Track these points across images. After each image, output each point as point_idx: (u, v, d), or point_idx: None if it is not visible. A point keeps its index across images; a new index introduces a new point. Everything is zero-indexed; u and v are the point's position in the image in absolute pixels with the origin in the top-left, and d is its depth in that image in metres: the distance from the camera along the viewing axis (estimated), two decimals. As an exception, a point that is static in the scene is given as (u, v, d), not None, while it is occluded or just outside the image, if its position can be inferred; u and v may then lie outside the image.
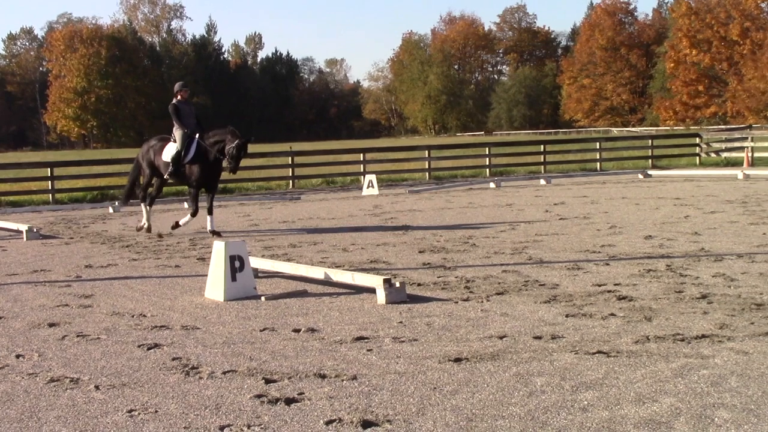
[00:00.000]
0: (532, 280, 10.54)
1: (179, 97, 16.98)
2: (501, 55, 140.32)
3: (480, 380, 6.38)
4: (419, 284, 10.50)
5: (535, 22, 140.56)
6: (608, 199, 22.32)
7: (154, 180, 17.39)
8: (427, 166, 34.04)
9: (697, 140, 41.21)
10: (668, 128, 77.65)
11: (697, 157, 39.22)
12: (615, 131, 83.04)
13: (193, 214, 16.75)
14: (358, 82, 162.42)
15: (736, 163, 36.28)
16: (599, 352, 7.03)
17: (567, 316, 8.46)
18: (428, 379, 6.46)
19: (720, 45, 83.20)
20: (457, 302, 9.33)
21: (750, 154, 36.71)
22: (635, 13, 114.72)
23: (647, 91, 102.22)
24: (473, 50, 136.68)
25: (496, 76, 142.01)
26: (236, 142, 16.06)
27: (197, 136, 16.50)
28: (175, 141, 16.72)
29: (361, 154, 33.53)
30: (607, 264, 11.63)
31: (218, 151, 16.29)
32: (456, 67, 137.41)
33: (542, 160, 35.88)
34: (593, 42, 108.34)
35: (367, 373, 6.69)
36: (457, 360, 6.95)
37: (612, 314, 8.45)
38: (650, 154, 38.84)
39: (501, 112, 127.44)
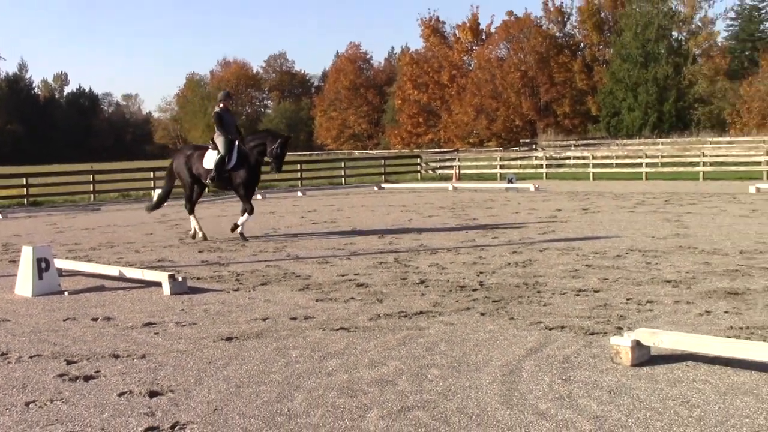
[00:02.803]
0: (289, 272, 10.56)
1: (222, 105, 15.08)
2: (266, 92, 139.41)
3: (247, 354, 6.34)
4: (198, 278, 10.31)
5: (293, 66, 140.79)
6: (351, 207, 22.70)
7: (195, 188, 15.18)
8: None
9: (419, 160, 42.66)
10: (397, 151, 79.71)
11: (419, 174, 40.55)
12: (357, 153, 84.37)
13: (250, 212, 14.62)
14: (150, 113, 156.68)
15: (447, 178, 37.73)
16: (342, 328, 7.14)
17: (317, 300, 8.54)
18: (205, 355, 6.35)
19: (435, 87, 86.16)
20: (229, 292, 9.23)
21: (457, 171, 38.36)
22: (371, 61, 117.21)
23: (381, 122, 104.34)
24: (244, 88, 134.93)
25: (262, 109, 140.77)
26: (279, 141, 14.27)
27: (237, 142, 14.60)
28: (215, 148, 14.67)
29: (152, 172, 32.56)
30: (349, 258, 11.82)
31: (259, 154, 14.42)
32: (231, 101, 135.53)
33: (299, 176, 36.00)
34: (339, 83, 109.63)
35: (154, 352, 6.51)
36: (229, 339, 6.88)
37: (352, 298, 8.59)
38: (383, 171, 39.72)
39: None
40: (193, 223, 15.02)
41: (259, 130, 15.39)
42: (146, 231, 17.21)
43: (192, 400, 5.22)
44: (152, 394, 5.37)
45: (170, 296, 9.10)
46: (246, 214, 14.63)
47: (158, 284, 9.47)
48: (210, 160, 14.67)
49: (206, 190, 16.01)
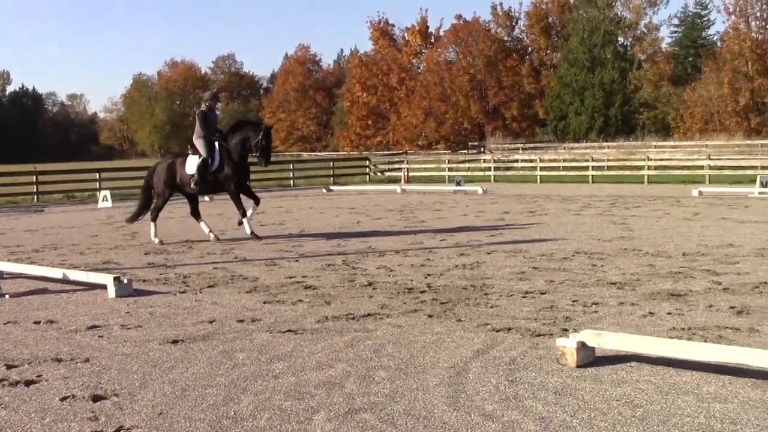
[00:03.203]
0: (237, 274, 10.49)
1: (207, 104, 14.63)
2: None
3: (193, 357, 6.28)
4: (144, 280, 10.19)
5: (242, 68, 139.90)
6: (299, 209, 22.63)
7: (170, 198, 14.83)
8: (152, 183, 32.96)
9: (367, 162, 42.66)
10: (346, 153, 79.59)
11: (367, 176, 40.55)
12: (305, 155, 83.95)
13: (244, 214, 14.25)
14: (96, 113, 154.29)
15: (396, 180, 37.77)
16: (289, 330, 7.12)
17: (264, 302, 8.50)
18: (150, 359, 6.28)
19: (384, 90, 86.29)
20: (175, 294, 9.14)
21: (406, 173, 38.42)
22: (320, 63, 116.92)
23: (330, 124, 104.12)
24: (192, 89, 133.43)
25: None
26: (261, 132, 13.94)
27: (217, 143, 14.15)
28: (195, 153, 14.27)
29: (97, 173, 32.10)
30: (297, 260, 11.78)
31: (243, 148, 14.06)
32: (178, 102, 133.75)
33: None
34: (288, 85, 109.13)
35: (98, 355, 6.41)
36: (175, 342, 6.81)
37: (300, 300, 8.57)
38: (332, 173, 39.64)
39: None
40: (153, 230, 14.68)
41: (236, 123, 14.99)
42: (91, 233, 16.95)
43: (137, 404, 5.16)
44: (96, 399, 5.29)
45: (115, 299, 8.98)
46: (252, 210, 14.49)
47: (103, 287, 9.33)
48: (192, 165, 14.37)
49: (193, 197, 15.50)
